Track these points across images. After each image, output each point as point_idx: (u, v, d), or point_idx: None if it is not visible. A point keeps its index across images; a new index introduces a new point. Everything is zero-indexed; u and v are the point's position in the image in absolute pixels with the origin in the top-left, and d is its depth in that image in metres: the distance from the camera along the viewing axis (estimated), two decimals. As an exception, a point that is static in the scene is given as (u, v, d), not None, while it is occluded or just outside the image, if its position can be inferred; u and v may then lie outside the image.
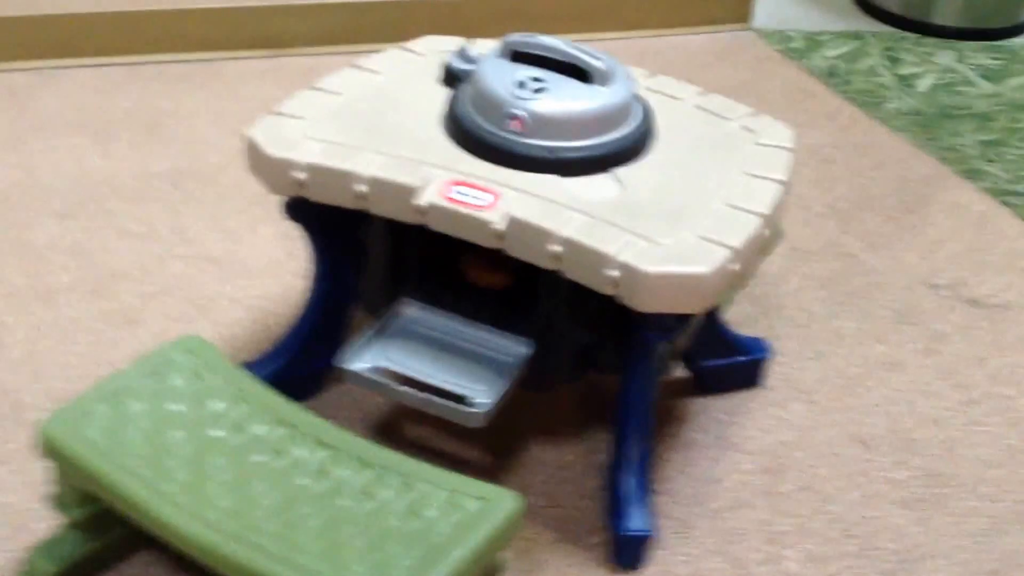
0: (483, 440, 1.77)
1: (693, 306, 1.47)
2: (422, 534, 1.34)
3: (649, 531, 1.57)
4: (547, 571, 1.58)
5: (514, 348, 1.64)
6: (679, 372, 1.88)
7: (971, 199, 2.47)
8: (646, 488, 1.60)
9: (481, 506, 1.36)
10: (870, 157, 2.60)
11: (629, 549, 1.58)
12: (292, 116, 1.66)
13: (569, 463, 1.75)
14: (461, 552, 1.31)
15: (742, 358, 1.89)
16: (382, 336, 1.67)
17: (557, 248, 1.48)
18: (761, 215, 1.54)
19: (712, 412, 1.86)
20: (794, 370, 1.96)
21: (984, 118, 2.82)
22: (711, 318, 1.82)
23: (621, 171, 1.59)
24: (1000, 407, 1.92)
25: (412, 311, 1.70)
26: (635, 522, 1.57)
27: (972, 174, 2.57)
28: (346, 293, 1.76)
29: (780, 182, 1.60)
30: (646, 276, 1.42)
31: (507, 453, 1.76)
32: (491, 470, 1.73)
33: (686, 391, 1.89)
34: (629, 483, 1.59)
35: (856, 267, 2.23)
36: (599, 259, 1.45)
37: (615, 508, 1.59)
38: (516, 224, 1.50)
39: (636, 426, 1.60)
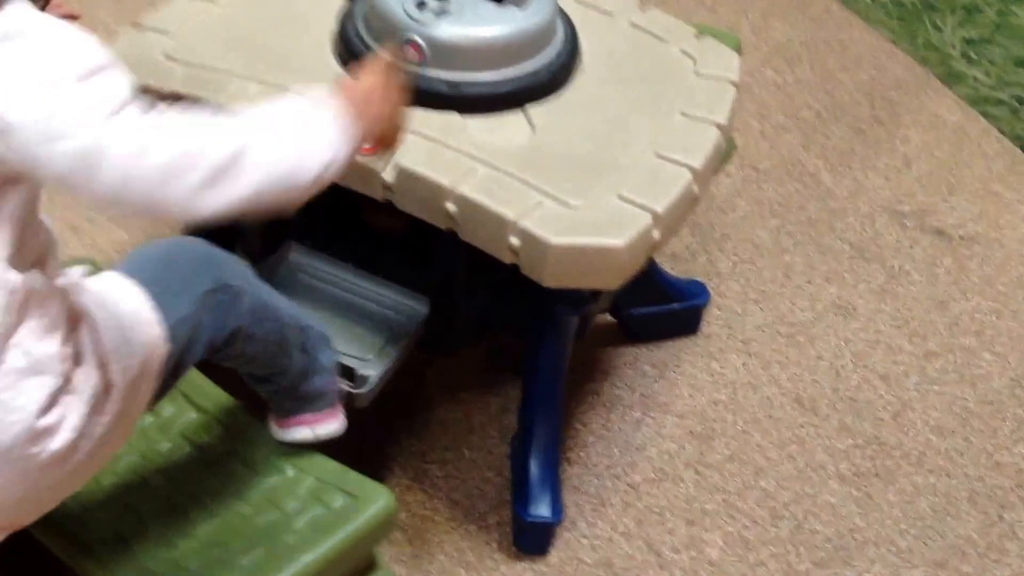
0: (381, 397, 1.57)
1: (605, 282, 1.27)
2: (274, 530, 1.17)
3: (554, 519, 1.41)
4: (440, 556, 1.42)
5: (409, 306, 1.44)
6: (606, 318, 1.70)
7: (948, 108, 2.25)
8: (554, 469, 1.43)
9: (346, 503, 1.19)
10: (842, 57, 2.36)
11: (532, 536, 1.42)
12: (156, 31, 1.42)
13: (476, 426, 1.58)
14: (310, 558, 1.14)
15: (677, 305, 1.70)
16: (262, 287, 1.47)
17: (451, 207, 1.28)
18: (693, 169, 1.32)
19: (640, 365, 1.68)
20: (734, 315, 1.77)
21: (971, 10, 2.57)
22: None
23: (535, 109, 1.37)
24: (959, 362, 1.74)
25: (298, 257, 1.50)
26: (540, 508, 1.41)
27: (952, 78, 2.34)
28: (224, 238, 1.55)
29: (719, 127, 1.38)
30: (550, 248, 1.22)
31: (408, 413, 1.58)
32: (388, 434, 1.55)
33: (613, 339, 1.71)
34: (536, 465, 1.41)
35: (814, 190, 2.03)
36: (498, 223, 1.25)
37: (519, 490, 1.42)
38: (406, 176, 1.29)
39: (544, 402, 1.42)
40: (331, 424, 1.26)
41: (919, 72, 2.34)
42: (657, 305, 1.68)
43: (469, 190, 1.26)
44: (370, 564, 1.25)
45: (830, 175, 2.06)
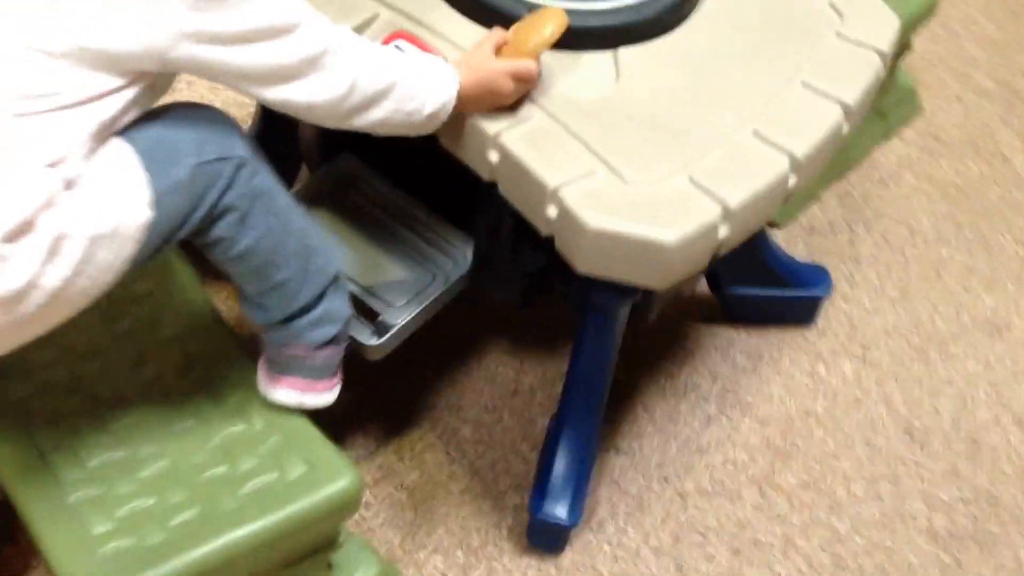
0: (430, 337, 1.39)
1: (647, 280, 1.06)
2: (217, 490, 1.05)
3: (569, 523, 1.23)
4: (440, 530, 1.28)
5: (458, 249, 1.26)
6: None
7: None
8: (583, 467, 1.24)
9: (303, 475, 1.05)
10: (1086, 14, 1.99)
11: (543, 533, 1.26)
12: None
13: (524, 389, 1.41)
14: (241, 533, 1.01)
15: (789, 292, 1.46)
16: (307, 204, 1.31)
17: (494, 156, 1.09)
18: (793, 157, 1.08)
19: (732, 352, 1.47)
20: (862, 311, 1.52)
21: None
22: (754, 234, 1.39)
23: (627, 53, 1.15)
24: (1121, 418, 1.45)
25: (353, 170, 1.34)
26: (555, 508, 1.23)
27: None
28: (285, 141, 1.40)
29: (845, 107, 1.13)
30: (585, 229, 1.02)
31: (452, 358, 1.42)
32: (425, 378, 1.40)
33: (708, 315, 1.49)
34: (563, 458, 1.23)
35: (1001, 175, 1.72)
36: (536, 187, 1.05)
37: (539, 481, 1.25)
38: (453, 112, 1.10)
39: (583, 394, 1.23)
40: (322, 396, 1.11)
41: None
42: (765, 287, 1.45)
43: (513, 140, 1.07)
44: (329, 542, 1.11)
45: (1026, 160, 1.74)
